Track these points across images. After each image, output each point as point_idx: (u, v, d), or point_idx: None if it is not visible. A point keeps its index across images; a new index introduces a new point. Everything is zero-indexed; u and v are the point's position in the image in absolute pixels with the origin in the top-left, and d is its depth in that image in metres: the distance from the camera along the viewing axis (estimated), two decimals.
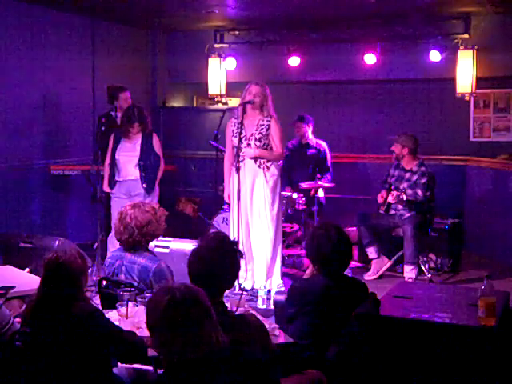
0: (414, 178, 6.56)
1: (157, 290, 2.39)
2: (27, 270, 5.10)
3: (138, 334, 3.17)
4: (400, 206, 6.56)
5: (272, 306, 5.05)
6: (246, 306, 3.78)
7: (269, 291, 5.53)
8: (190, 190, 8.82)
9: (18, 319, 3.35)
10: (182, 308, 2.24)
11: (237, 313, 3.29)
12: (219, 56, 8.59)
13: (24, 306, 3.85)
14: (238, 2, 7.33)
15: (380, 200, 6.63)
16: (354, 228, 6.91)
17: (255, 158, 5.93)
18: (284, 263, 6.41)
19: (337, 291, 3.63)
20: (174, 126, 9.15)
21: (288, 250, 7.14)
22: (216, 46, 8.74)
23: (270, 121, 5.93)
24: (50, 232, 6.59)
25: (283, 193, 6.59)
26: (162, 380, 2.35)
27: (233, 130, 6.04)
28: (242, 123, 5.89)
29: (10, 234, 6.16)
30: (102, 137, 6.80)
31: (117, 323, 3.24)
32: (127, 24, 8.47)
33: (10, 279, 4.21)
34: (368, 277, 6.55)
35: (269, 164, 5.95)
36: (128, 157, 6.29)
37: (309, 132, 7.52)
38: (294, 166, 7.45)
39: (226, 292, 3.19)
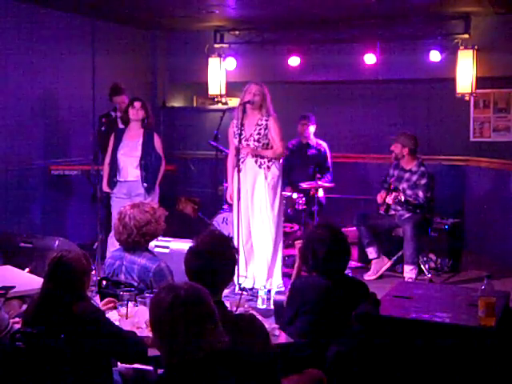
0: (414, 178, 6.56)
1: (159, 289, 2.39)
2: (27, 270, 5.11)
3: (138, 334, 3.18)
4: (400, 207, 6.56)
5: (272, 306, 5.05)
6: (245, 306, 3.78)
7: (269, 291, 5.53)
8: (190, 189, 8.82)
9: (17, 319, 3.36)
10: (186, 307, 2.24)
11: (236, 313, 3.30)
12: (219, 56, 8.59)
13: (24, 306, 3.86)
14: (238, 2, 7.33)
15: (380, 200, 6.63)
16: (354, 228, 6.90)
17: (256, 159, 5.93)
18: (284, 263, 6.41)
19: (337, 291, 3.63)
20: (174, 126, 9.15)
21: (288, 250, 7.13)
22: (216, 45, 8.74)
23: (268, 120, 5.93)
24: (50, 232, 6.59)
25: (283, 193, 6.59)
26: (162, 380, 2.35)
27: (234, 131, 6.04)
28: (241, 124, 5.89)
29: (10, 234, 6.17)
30: (102, 137, 6.81)
31: (117, 323, 3.24)
32: (127, 24, 8.46)
33: (10, 279, 4.21)
34: (368, 277, 6.55)
35: (270, 164, 5.95)
36: (129, 156, 6.28)
37: (311, 132, 7.54)
38: (294, 166, 7.45)
39: (226, 292, 3.20)
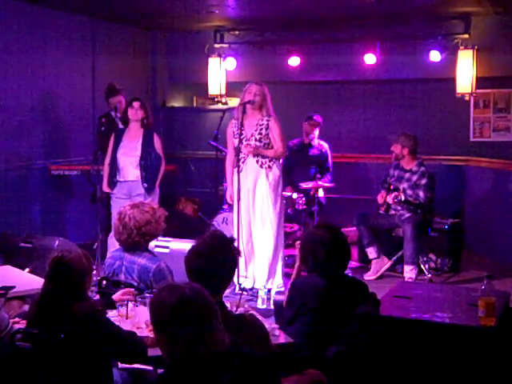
0: (414, 178, 6.56)
1: (160, 289, 2.38)
2: (27, 270, 5.12)
3: (138, 334, 3.18)
4: (400, 207, 6.56)
5: (272, 306, 5.05)
6: (245, 306, 3.79)
7: (269, 291, 5.53)
8: (190, 189, 8.82)
9: (17, 319, 3.36)
10: (189, 307, 2.24)
11: (237, 313, 3.30)
12: (219, 56, 8.59)
13: (24, 306, 3.86)
14: (238, 2, 7.33)
15: (380, 200, 6.63)
16: (354, 228, 6.91)
17: (257, 159, 5.93)
18: (284, 263, 6.41)
19: (337, 291, 3.63)
20: (174, 126, 9.15)
21: (288, 250, 7.13)
22: (216, 46, 8.73)
23: (269, 120, 5.93)
24: (50, 232, 6.59)
25: (283, 193, 6.60)
26: (162, 380, 2.35)
27: (233, 131, 6.03)
28: (241, 124, 5.89)
29: (9, 234, 6.17)
30: (102, 137, 6.80)
31: (117, 323, 3.24)
32: (127, 24, 8.46)
33: (10, 279, 4.22)
34: (368, 277, 6.55)
35: (271, 163, 5.95)
36: (129, 156, 6.28)
37: (317, 134, 7.55)
38: (295, 166, 7.46)
39: (226, 292, 3.20)
